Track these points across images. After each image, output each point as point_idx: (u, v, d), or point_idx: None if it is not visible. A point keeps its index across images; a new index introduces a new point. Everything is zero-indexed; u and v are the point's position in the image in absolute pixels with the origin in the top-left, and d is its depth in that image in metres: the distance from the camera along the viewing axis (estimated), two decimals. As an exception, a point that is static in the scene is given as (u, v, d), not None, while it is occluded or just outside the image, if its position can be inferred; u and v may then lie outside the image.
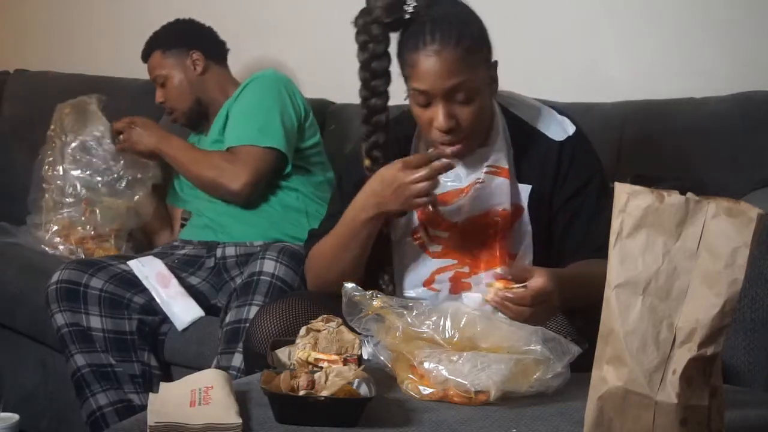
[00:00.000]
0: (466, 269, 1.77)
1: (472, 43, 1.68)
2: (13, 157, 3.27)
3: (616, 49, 2.59)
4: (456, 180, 1.77)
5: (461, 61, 1.66)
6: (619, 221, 1.17)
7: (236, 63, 2.71)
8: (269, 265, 2.15)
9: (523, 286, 1.55)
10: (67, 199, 2.55)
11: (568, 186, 1.79)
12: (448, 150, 1.70)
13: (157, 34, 2.73)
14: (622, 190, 1.17)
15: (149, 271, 2.33)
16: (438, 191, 1.74)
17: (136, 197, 2.59)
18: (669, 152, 2.29)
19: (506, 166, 1.77)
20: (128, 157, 2.57)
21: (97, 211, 2.54)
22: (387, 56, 1.70)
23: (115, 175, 2.55)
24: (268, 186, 2.46)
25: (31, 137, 3.31)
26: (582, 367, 1.31)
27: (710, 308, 1.10)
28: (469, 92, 1.67)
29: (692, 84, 2.43)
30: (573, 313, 1.64)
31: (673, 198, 1.14)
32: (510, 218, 1.76)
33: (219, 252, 2.42)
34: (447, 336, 1.45)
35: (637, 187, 1.16)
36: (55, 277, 2.27)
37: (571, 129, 1.81)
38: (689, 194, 1.14)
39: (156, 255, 2.43)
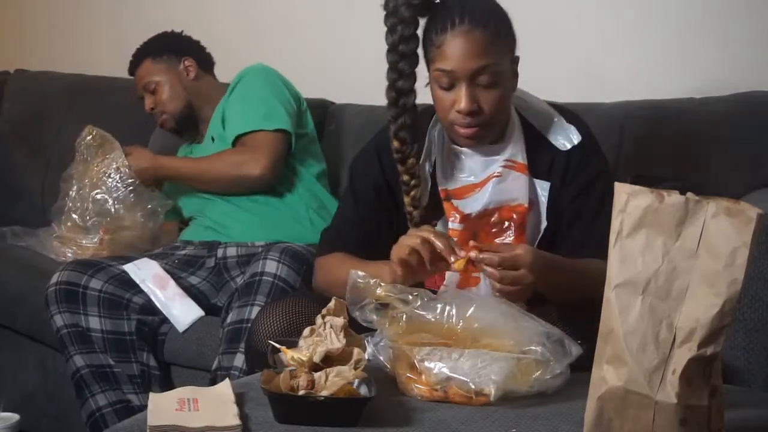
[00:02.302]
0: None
1: (499, 29, 1.72)
2: (13, 157, 3.28)
3: (616, 49, 2.59)
4: (471, 175, 1.80)
5: (489, 44, 1.69)
6: (619, 221, 1.17)
7: (235, 63, 2.71)
8: (271, 266, 2.16)
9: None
10: (88, 223, 2.54)
11: (573, 187, 1.82)
12: (464, 131, 1.73)
13: (146, 44, 2.74)
14: (622, 190, 1.17)
15: (146, 273, 2.32)
16: (452, 186, 1.78)
17: (150, 225, 2.58)
18: (669, 152, 2.29)
19: (523, 162, 1.80)
20: (140, 188, 2.55)
21: (114, 239, 2.54)
22: (415, 39, 1.71)
23: (130, 202, 2.53)
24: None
25: (31, 137, 3.32)
26: (582, 367, 1.32)
27: (710, 308, 1.10)
28: (494, 77, 1.70)
29: (692, 84, 2.43)
30: (572, 311, 1.65)
31: (673, 198, 1.14)
32: (526, 214, 1.78)
33: (220, 252, 2.42)
34: (452, 322, 1.44)
35: (637, 187, 1.16)
36: (54, 279, 2.27)
37: (576, 138, 1.82)
38: (689, 194, 1.14)
39: (156, 256, 2.43)
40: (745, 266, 1.09)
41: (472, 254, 1.56)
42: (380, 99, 2.76)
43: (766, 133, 2.21)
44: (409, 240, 1.61)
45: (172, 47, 2.71)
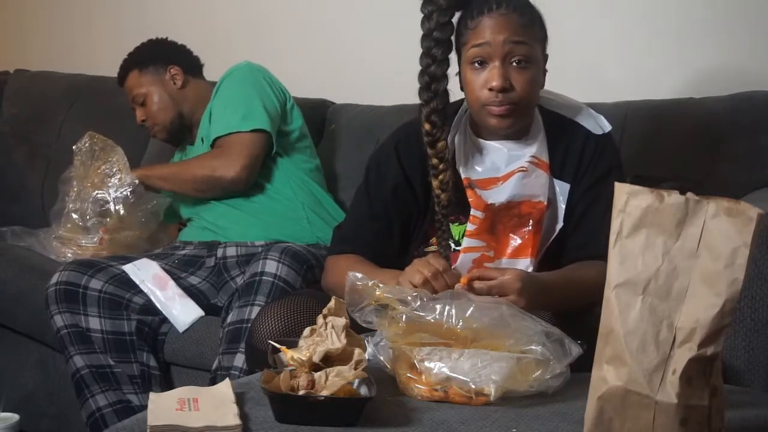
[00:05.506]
0: (491, 253, 1.81)
1: (534, 18, 1.79)
2: (13, 157, 3.28)
3: (616, 49, 2.59)
4: (493, 168, 1.83)
5: (524, 27, 1.76)
6: (618, 221, 1.17)
7: (234, 63, 2.71)
8: (271, 266, 2.16)
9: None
10: (88, 224, 2.54)
11: (587, 179, 1.84)
12: (496, 110, 1.76)
13: (131, 55, 2.74)
14: (622, 190, 1.17)
15: (145, 274, 2.32)
16: (474, 177, 1.82)
17: (150, 225, 2.58)
18: (669, 152, 2.29)
19: (547, 161, 1.83)
20: (140, 189, 2.54)
21: (114, 239, 2.54)
22: (450, 26, 1.76)
23: (130, 203, 2.54)
24: (259, 177, 2.48)
25: (31, 137, 3.32)
26: (582, 367, 1.32)
27: (710, 308, 1.10)
28: (526, 58, 1.76)
29: (692, 84, 2.43)
30: (570, 313, 1.65)
31: (673, 198, 1.14)
32: (544, 211, 1.81)
33: (220, 252, 2.42)
34: (452, 323, 1.44)
35: (637, 187, 1.16)
36: (54, 279, 2.27)
37: (607, 126, 1.88)
38: (689, 194, 1.14)
39: (156, 256, 2.43)
40: (745, 266, 1.09)
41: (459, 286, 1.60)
42: (380, 99, 2.80)
43: (766, 133, 2.22)
44: (421, 272, 1.63)
45: (158, 56, 2.71)
